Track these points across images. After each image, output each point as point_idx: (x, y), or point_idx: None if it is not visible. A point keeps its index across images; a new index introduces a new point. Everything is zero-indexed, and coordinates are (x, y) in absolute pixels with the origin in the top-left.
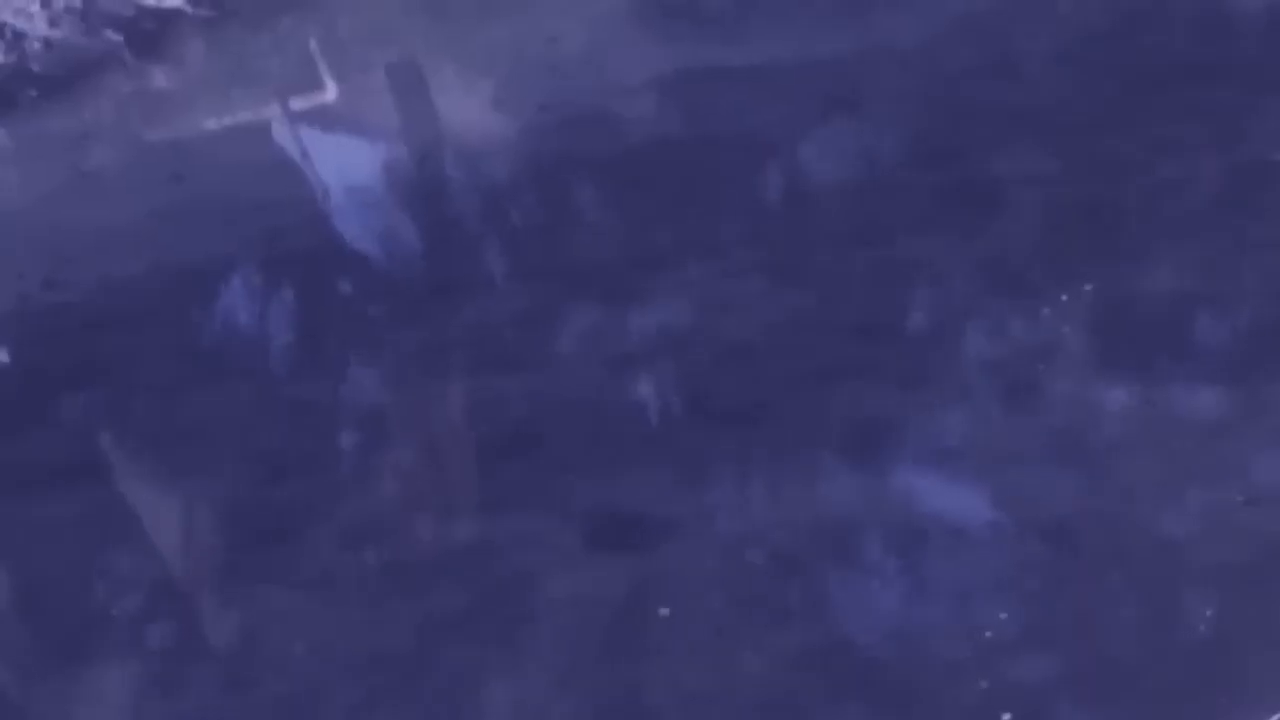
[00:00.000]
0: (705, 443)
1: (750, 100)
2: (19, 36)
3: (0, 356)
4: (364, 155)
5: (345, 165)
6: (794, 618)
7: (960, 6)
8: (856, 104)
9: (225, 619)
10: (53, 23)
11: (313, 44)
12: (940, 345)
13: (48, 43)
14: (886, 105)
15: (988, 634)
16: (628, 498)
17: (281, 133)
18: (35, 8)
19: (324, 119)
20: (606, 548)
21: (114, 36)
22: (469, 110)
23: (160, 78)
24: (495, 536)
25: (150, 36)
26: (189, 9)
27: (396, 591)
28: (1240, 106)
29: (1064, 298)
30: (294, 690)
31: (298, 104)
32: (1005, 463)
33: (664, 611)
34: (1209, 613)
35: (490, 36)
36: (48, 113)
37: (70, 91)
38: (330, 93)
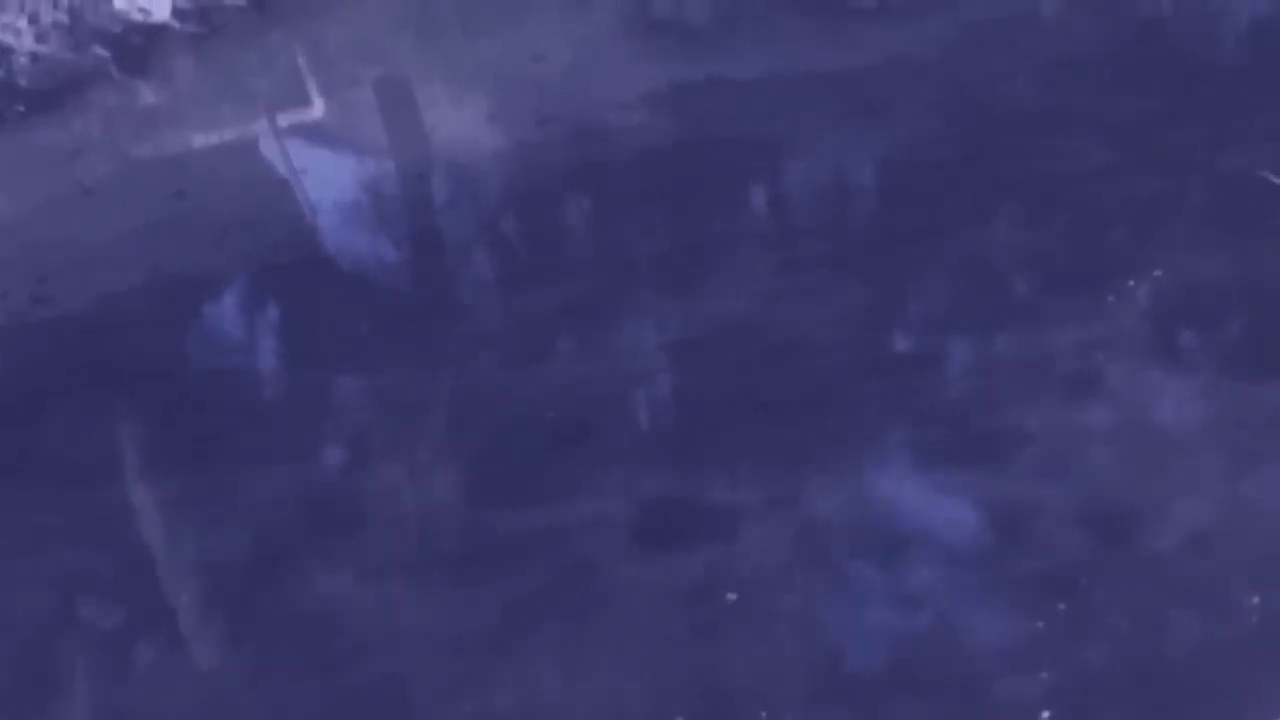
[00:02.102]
0: (766, 434)
1: (748, 110)
2: (6, 52)
3: None
4: (352, 171)
5: (333, 181)
6: (853, 606)
7: (963, 16)
8: (881, 110)
9: (305, 606)
10: (40, 38)
11: (301, 60)
12: (998, 337)
13: (35, 58)
14: (908, 110)
15: (1040, 624)
16: (692, 486)
17: (270, 148)
18: (23, 23)
19: (312, 135)
20: (672, 535)
21: (102, 52)
22: (457, 126)
23: (148, 93)
24: (563, 524)
25: (138, 52)
26: (177, 25)
27: (469, 579)
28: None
29: (1130, 283)
30: (381, 674)
31: (286, 120)
32: (1068, 452)
33: (731, 597)
34: (1255, 600)
35: (478, 53)
36: (35, 128)
37: (58, 107)
38: (318, 109)
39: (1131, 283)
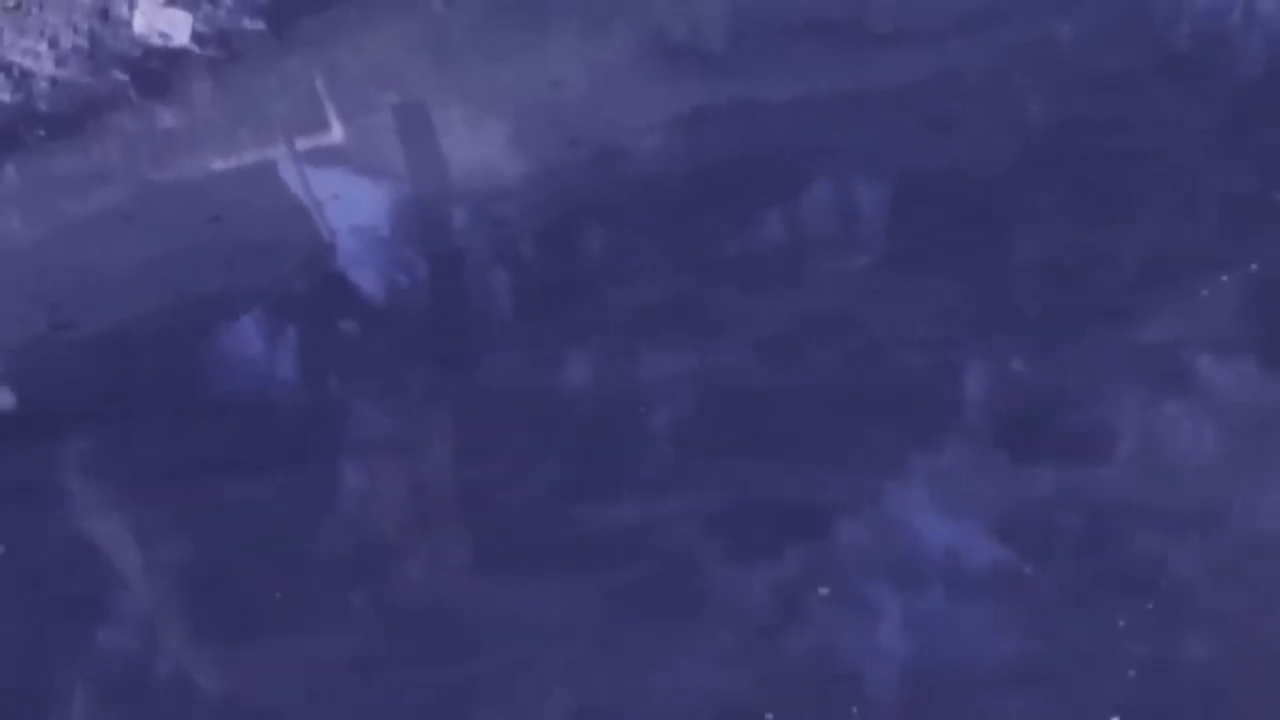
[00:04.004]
0: (859, 430)
1: (768, 133)
2: (26, 76)
3: (6, 397)
4: (370, 195)
5: (351, 205)
6: (943, 602)
7: (979, 40)
8: (923, 126)
9: (415, 598)
10: (60, 62)
11: (319, 85)
12: (1093, 334)
13: (55, 82)
14: (959, 125)
15: (1121, 624)
16: (787, 482)
17: (289, 173)
18: (43, 47)
19: (331, 159)
20: (765, 530)
21: (121, 76)
22: (476, 151)
23: (167, 118)
24: (660, 519)
25: (157, 77)
26: (196, 49)
27: (571, 573)
28: None
29: (1224, 278)
30: (490, 664)
31: (304, 144)
32: (1160, 448)
33: (823, 591)
34: None
35: (495, 79)
36: (55, 152)
37: (77, 131)
38: (336, 133)
39: (1225, 278)
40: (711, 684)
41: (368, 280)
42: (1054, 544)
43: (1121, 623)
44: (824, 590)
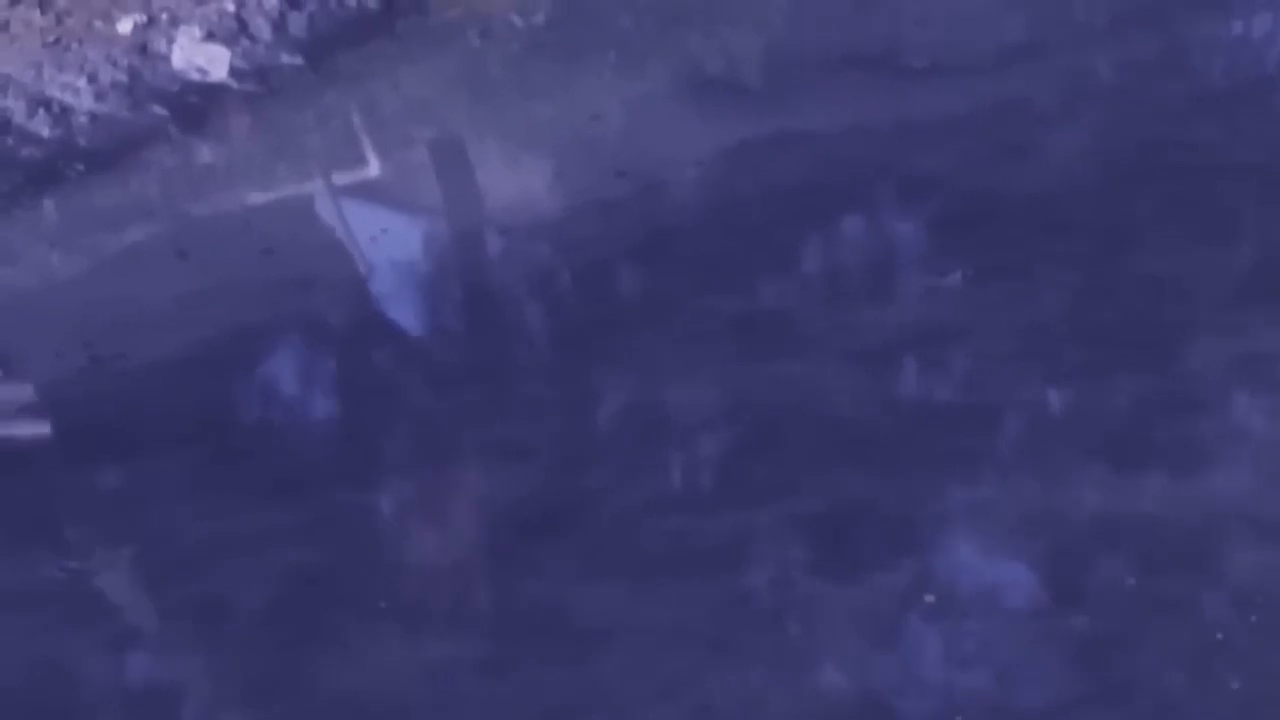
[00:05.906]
0: (954, 442)
1: (807, 166)
2: (65, 111)
3: (43, 429)
4: (407, 231)
5: (389, 240)
6: (1041, 612)
7: (1009, 72)
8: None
9: (515, 608)
10: (99, 97)
11: (356, 120)
12: (1190, 347)
13: (94, 117)
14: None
15: (1219, 636)
16: (886, 494)
17: (325, 208)
18: (82, 83)
19: (367, 194)
20: (868, 538)
21: (160, 111)
22: (512, 186)
23: (205, 153)
24: (758, 530)
25: (196, 112)
26: (234, 84)
27: (680, 577)
28: None
29: None
30: (608, 667)
31: (341, 179)
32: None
33: (929, 598)
34: None
35: (533, 114)
36: (93, 187)
37: (116, 166)
38: (373, 168)
39: None
40: (820, 689)
41: (403, 314)
42: (1155, 557)
43: (1220, 635)
44: (930, 598)
